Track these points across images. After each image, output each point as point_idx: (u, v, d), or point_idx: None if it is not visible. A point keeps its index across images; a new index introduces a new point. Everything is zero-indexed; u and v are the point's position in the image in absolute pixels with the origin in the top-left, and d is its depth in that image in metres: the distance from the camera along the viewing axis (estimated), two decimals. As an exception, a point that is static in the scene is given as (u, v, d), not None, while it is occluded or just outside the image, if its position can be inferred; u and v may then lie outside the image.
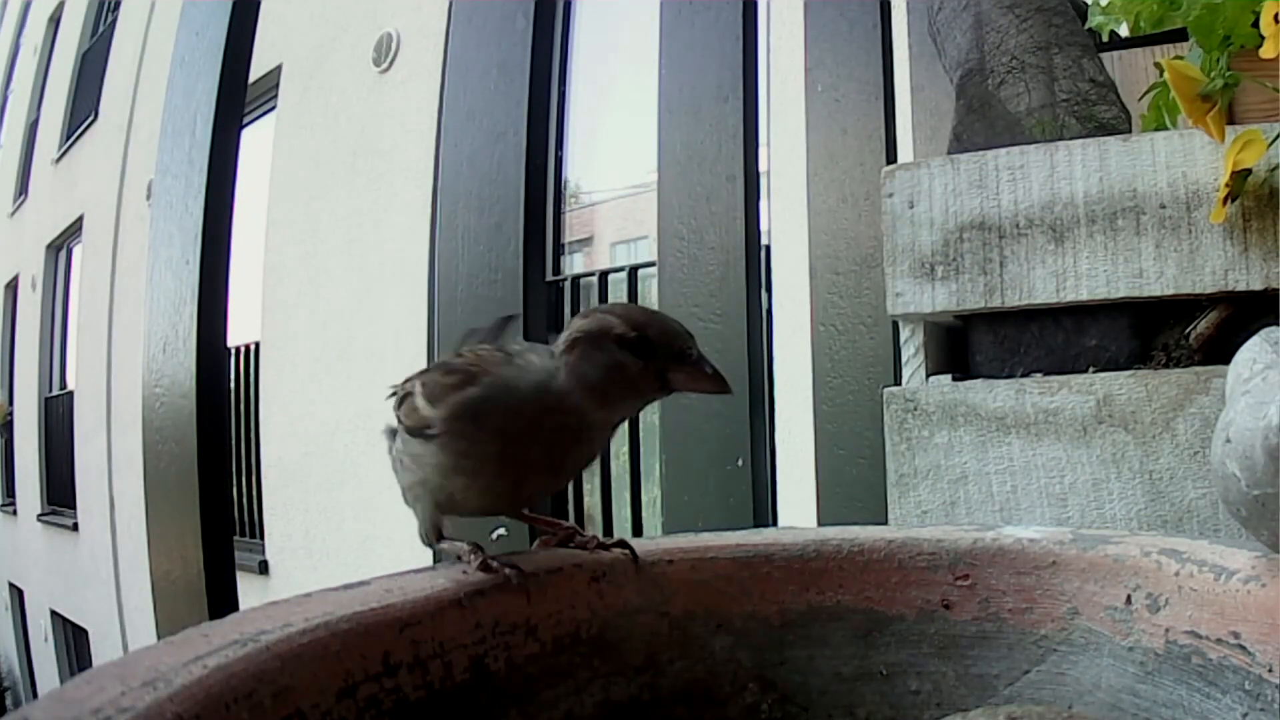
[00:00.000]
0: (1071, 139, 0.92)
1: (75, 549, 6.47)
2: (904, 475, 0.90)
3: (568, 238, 3.13)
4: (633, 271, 2.88)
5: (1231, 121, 0.85)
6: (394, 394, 0.61)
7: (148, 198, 4.82)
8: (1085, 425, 0.85)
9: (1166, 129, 1.01)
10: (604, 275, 2.98)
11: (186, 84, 1.87)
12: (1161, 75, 0.98)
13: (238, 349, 4.51)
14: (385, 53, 3.64)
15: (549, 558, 0.57)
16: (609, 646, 0.55)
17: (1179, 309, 0.87)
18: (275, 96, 4.28)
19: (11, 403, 8.53)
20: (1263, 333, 0.56)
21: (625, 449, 2.84)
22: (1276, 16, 0.75)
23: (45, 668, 7.60)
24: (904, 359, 0.98)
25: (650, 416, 2.77)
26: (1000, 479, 0.87)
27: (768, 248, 2.41)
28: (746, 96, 2.47)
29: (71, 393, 6.90)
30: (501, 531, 2.94)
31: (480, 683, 0.50)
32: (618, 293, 2.92)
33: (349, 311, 3.76)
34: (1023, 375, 0.91)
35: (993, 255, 0.90)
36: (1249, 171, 0.80)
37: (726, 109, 2.49)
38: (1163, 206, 0.85)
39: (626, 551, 0.58)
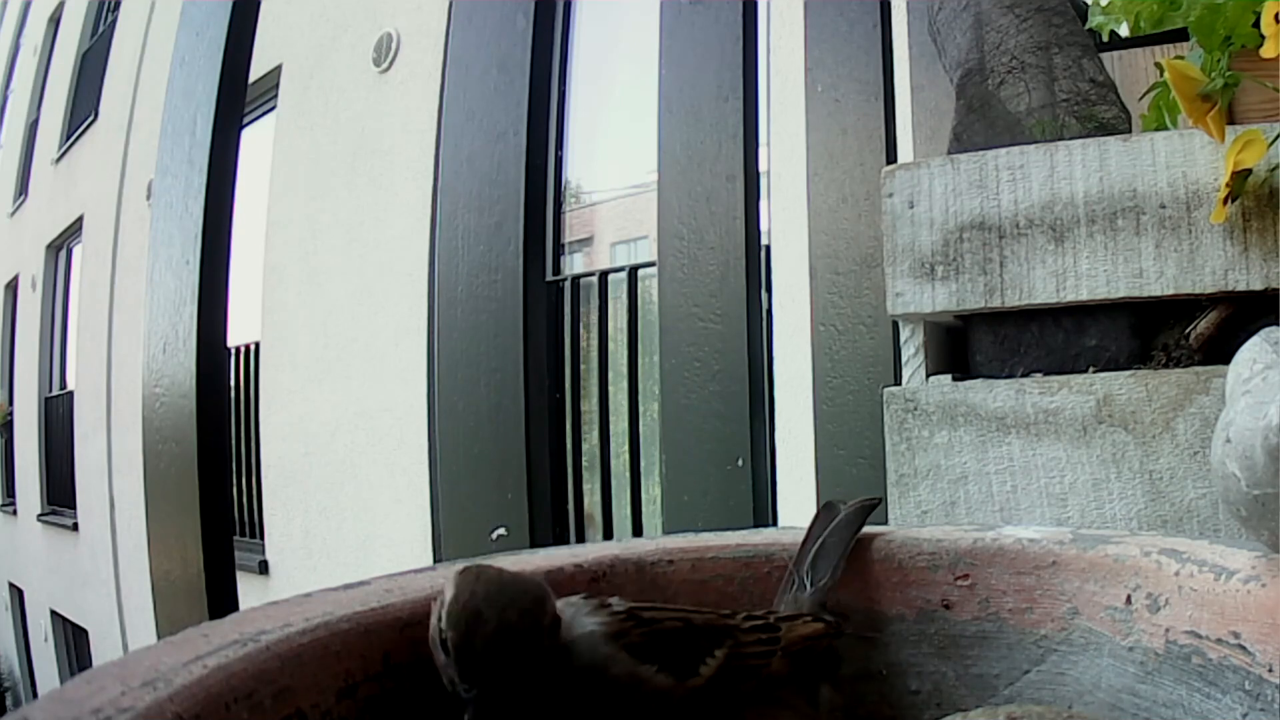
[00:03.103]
0: (1071, 139, 0.92)
1: (75, 549, 6.47)
2: (904, 475, 0.90)
3: (568, 238, 3.14)
4: (633, 271, 2.88)
5: (1231, 121, 0.85)
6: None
7: (148, 198, 4.82)
8: (1085, 425, 0.85)
9: (1166, 129, 1.01)
10: (604, 275, 2.98)
11: (186, 84, 1.87)
12: (1162, 75, 0.98)
13: (238, 349, 4.51)
14: (385, 53, 3.64)
15: (549, 557, 0.57)
16: (609, 646, 0.55)
17: (1179, 309, 0.87)
18: (275, 96, 4.28)
19: (11, 403, 8.53)
20: (1263, 333, 0.56)
21: (625, 448, 2.85)
22: (1277, 16, 0.75)
23: (45, 668, 7.60)
24: (904, 359, 0.98)
25: (650, 416, 2.77)
26: (1000, 479, 0.87)
27: (768, 248, 2.41)
28: (746, 96, 2.47)
29: (71, 393, 6.89)
30: (501, 531, 2.94)
31: (480, 683, 0.50)
32: (618, 292, 2.92)
33: (349, 311, 3.76)
34: (1023, 375, 0.91)
35: (993, 255, 0.90)
36: (1249, 171, 0.80)
37: (726, 109, 2.49)
38: (1163, 206, 0.85)
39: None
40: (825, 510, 0.61)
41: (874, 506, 0.61)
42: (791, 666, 0.50)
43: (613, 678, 0.44)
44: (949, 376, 0.93)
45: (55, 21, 8.26)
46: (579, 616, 0.46)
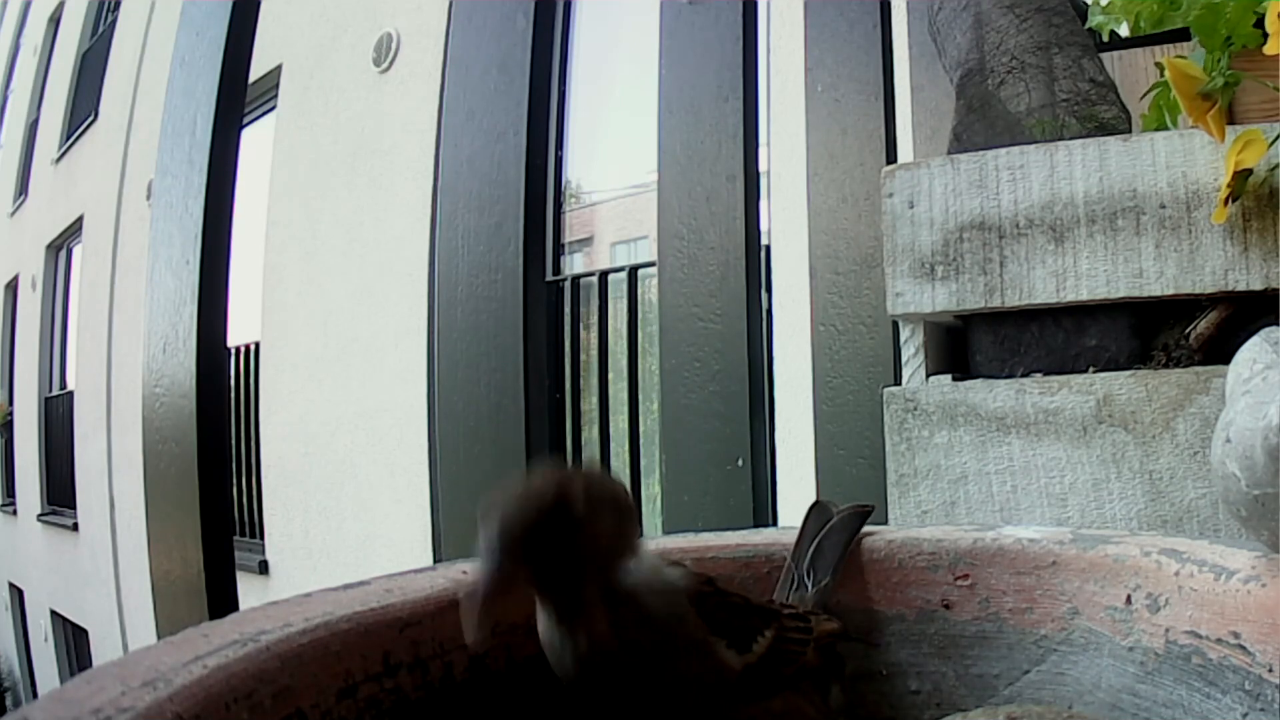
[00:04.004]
0: (1071, 139, 0.92)
1: (75, 549, 6.47)
2: (904, 475, 0.90)
3: (568, 238, 3.14)
4: (633, 271, 2.88)
5: (1232, 121, 0.85)
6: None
7: (148, 198, 4.81)
8: (1085, 425, 0.85)
9: (1167, 129, 1.01)
10: (604, 275, 2.98)
11: (186, 84, 1.86)
12: (1162, 75, 0.98)
13: (238, 349, 4.51)
14: (385, 53, 3.64)
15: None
16: (609, 646, 0.55)
17: (1179, 309, 0.87)
18: (275, 96, 4.28)
19: (11, 403, 8.52)
20: (1263, 333, 0.56)
21: (625, 448, 2.85)
22: None
23: (45, 668, 7.59)
24: (904, 359, 0.98)
25: (650, 416, 2.77)
26: (1000, 479, 0.87)
27: (768, 248, 2.41)
28: (746, 96, 2.47)
29: (71, 393, 6.89)
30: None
31: (481, 683, 0.50)
32: (618, 292, 2.92)
33: (349, 311, 3.76)
34: (1023, 375, 0.91)
35: (993, 255, 0.90)
36: (1250, 171, 0.80)
37: (726, 109, 2.49)
38: (1163, 206, 0.85)
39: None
40: (817, 510, 0.61)
41: (869, 514, 0.61)
42: (819, 660, 0.51)
43: (687, 638, 0.45)
44: (949, 376, 0.93)
45: (55, 21, 8.26)
46: (661, 566, 0.46)
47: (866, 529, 0.60)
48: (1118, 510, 0.83)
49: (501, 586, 0.40)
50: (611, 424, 2.92)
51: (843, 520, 0.60)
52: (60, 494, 7.06)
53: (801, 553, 0.58)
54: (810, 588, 0.56)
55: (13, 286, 8.70)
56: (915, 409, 0.90)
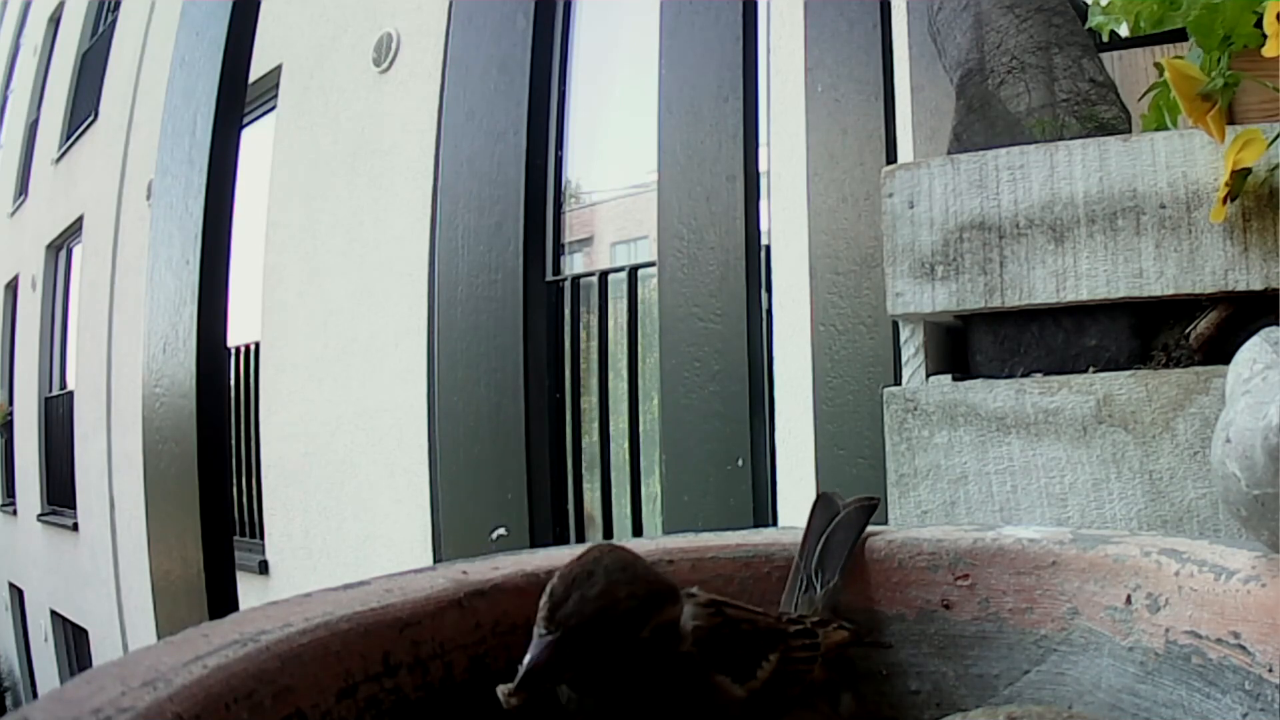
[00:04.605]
0: (1071, 139, 0.92)
1: (75, 549, 6.47)
2: (904, 475, 0.90)
3: (568, 238, 3.14)
4: (633, 271, 2.88)
5: (1231, 121, 0.85)
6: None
7: (148, 198, 4.81)
8: (1085, 425, 0.85)
9: (1167, 129, 1.01)
10: (604, 275, 2.98)
11: (186, 84, 1.86)
12: (1162, 75, 0.98)
13: (238, 349, 4.51)
14: (385, 53, 3.64)
15: (549, 557, 0.57)
16: (609, 646, 0.55)
17: (1179, 309, 0.87)
18: (275, 96, 4.28)
19: (11, 403, 8.53)
20: (1263, 333, 0.56)
21: (625, 448, 2.85)
22: (1279, 16, 0.75)
23: (45, 668, 7.60)
24: (904, 359, 0.98)
25: (650, 416, 2.77)
26: (1000, 479, 0.87)
27: (768, 248, 2.41)
28: (746, 96, 2.47)
29: (71, 393, 6.89)
30: (501, 531, 2.94)
31: (481, 683, 0.50)
32: (618, 292, 2.92)
33: (349, 311, 3.76)
34: (1023, 375, 0.91)
35: (993, 255, 0.90)
36: (1249, 170, 0.80)
37: (726, 109, 2.49)
38: (1163, 206, 0.85)
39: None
40: (823, 504, 0.61)
41: (874, 507, 0.61)
42: (827, 673, 0.51)
43: (691, 680, 0.45)
44: (949, 376, 0.93)
45: (55, 21, 8.26)
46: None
47: (868, 529, 0.60)
48: (1118, 510, 0.83)
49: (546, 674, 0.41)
50: (611, 424, 2.92)
51: (849, 516, 0.60)
52: (60, 494, 7.07)
53: (809, 550, 0.58)
54: (819, 589, 0.56)
55: (13, 286, 8.71)
56: (915, 409, 0.90)
